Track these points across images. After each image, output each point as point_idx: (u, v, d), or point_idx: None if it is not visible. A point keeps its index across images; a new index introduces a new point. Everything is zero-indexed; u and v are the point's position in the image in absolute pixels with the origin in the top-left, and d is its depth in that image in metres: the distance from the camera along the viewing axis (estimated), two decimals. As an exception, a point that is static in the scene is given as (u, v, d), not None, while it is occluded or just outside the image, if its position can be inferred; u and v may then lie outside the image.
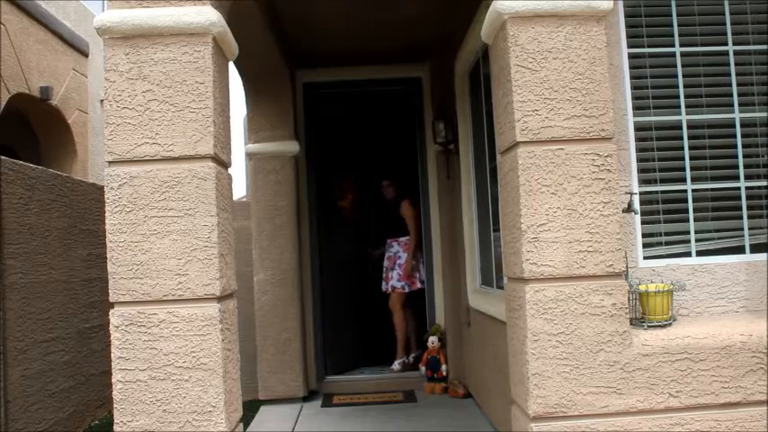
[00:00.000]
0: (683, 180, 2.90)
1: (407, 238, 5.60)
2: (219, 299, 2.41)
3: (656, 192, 2.91)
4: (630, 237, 2.82)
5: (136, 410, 2.35)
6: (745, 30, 2.94)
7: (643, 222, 2.86)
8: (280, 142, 5.09)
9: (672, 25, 2.92)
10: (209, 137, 2.43)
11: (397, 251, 5.67)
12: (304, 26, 4.57)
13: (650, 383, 2.44)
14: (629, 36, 2.89)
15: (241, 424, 2.62)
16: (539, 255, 2.44)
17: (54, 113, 7.12)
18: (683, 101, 2.90)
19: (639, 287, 2.66)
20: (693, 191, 2.90)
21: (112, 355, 2.37)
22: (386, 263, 5.75)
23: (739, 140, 2.90)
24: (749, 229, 2.90)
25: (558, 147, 2.47)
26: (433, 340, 5.17)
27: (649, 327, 2.58)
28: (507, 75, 2.53)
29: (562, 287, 2.44)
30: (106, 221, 2.40)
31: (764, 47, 2.93)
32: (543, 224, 2.45)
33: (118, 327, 2.37)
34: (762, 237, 2.91)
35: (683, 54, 2.92)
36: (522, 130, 2.47)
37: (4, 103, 6.03)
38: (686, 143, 2.90)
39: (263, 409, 4.89)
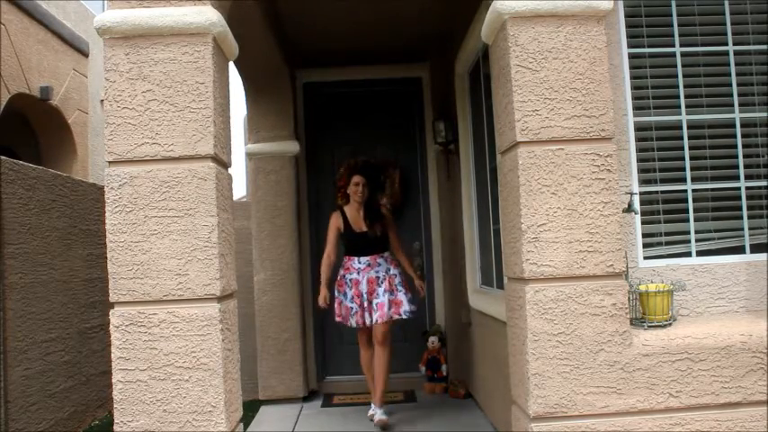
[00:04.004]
0: (683, 180, 2.90)
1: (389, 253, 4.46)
2: (219, 299, 2.41)
3: (656, 192, 2.90)
4: (630, 237, 2.82)
5: (136, 410, 2.35)
6: (745, 30, 2.94)
7: (643, 222, 2.86)
8: (280, 142, 5.09)
9: (672, 25, 2.92)
10: (209, 137, 2.43)
11: (388, 268, 4.37)
12: (304, 26, 4.58)
13: (650, 383, 2.44)
14: (629, 36, 2.89)
15: (241, 424, 2.62)
16: (539, 255, 2.44)
17: (54, 113, 7.12)
18: (683, 101, 2.90)
19: (639, 287, 2.66)
20: (693, 191, 2.90)
21: (112, 355, 2.37)
22: (365, 287, 4.28)
23: (739, 140, 2.90)
24: (749, 229, 2.90)
25: (558, 147, 2.47)
26: (433, 340, 5.16)
27: (649, 327, 2.58)
28: (507, 75, 2.53)
29: (562, 287, 2.44)
30: (106, 221, 2.40)
31: (764, 47, 2.93)
32: (543, 224, 2.45)
33: (118, 327, 2.37)
34: (762, 237, 2.90)
35: (683, 54, 2.91)
36: (523, 130, 2.47)
37: (4, 103, 6.03)
38: (686, 143, 2.90)
39: (263, 409, 4.89)
